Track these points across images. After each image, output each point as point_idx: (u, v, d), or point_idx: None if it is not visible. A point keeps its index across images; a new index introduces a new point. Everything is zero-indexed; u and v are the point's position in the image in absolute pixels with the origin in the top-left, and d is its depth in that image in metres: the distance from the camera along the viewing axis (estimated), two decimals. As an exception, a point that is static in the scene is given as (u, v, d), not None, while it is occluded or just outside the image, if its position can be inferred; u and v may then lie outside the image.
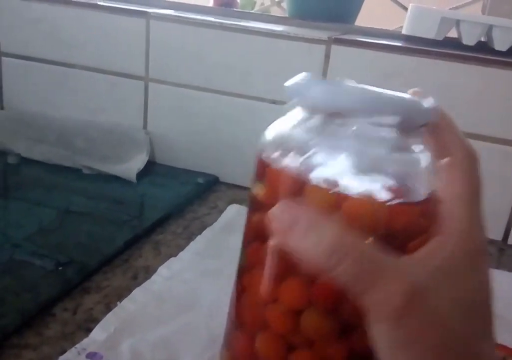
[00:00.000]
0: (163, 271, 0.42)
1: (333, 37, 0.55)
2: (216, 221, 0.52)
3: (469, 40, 0.55)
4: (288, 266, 0.25)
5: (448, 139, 0.25)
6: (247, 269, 0.28)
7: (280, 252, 0.25)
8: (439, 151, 0.25)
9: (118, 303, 0.38)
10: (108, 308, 0.37)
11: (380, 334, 0.21)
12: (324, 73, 0.56)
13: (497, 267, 0.49)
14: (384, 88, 0.24)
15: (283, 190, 0.24)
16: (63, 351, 0.32)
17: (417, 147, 0.25)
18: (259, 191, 0.26)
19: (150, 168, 0.62)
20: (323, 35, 0.56)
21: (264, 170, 0.25)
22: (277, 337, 0.26)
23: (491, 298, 0.23)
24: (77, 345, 0.33)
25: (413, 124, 0.24)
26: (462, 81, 0.52)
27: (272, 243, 0.25)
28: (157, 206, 0.54)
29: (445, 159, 0.25)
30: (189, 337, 0.35)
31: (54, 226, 0.48)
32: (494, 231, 0.55)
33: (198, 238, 0.49)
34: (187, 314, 0.37)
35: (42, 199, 0.53)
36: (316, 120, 0.24)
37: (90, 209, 0.52)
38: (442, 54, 0.53)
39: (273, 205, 0.23)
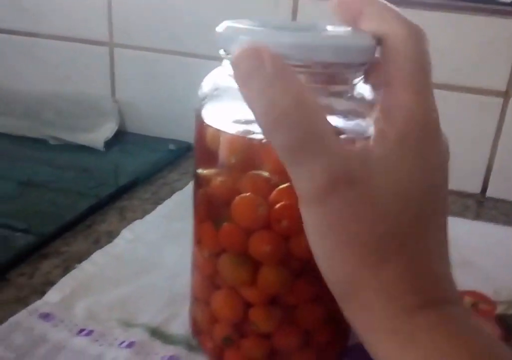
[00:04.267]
0: (126, 233, 0.41)
1: (300, -10, 0.53)
2: (186, 185, 0.51)
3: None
4: (204, 211, 0.25)
5: (384, 24, 0.21)
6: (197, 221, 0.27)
7: (198, 198, 0.25)
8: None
9: (76, 265, 0.36)
10: (67, 272, 0.36)
11: (304, 216, 0.19)
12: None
13: (476, 219, 0.48)
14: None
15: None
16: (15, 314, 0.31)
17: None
18: None
19: (121, 137, 0.61)
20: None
21: (202, 125, 0.24)
22: (204, 278, 0.26)
23: (442, 190, 0.20)
24: (28, 307, 0.31)
25: (353, 62, 0.22)
26: (433, 30, 0.50)
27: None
28: (125, 173, 0.52)
29: (386, 40, 0.21)
30: (148, 297, 0.33)
31: (15, 195, 0.46)
32: (473, 183, 0.53)
33: (166, 201, 0.47)
34: (148, 275, 0.36)
35: (4, 170, 0.51)
36: None
37: (54, 179, 0.50)
38: (417, 3, 0.50)
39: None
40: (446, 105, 0.51)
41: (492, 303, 0.35)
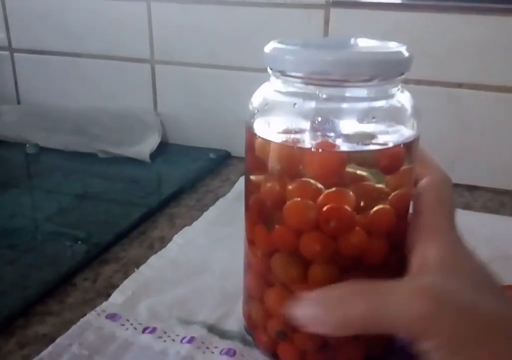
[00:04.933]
0: (178, 239, 0.44)
1: (331, 0, 0.55)
2: (229, 192, 0.53)
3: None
4: (257, 214, 0.27)
5: (423, 161, 0.28)
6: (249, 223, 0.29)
7: (250, 203, 0.28)
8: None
9: (135, 269, 0.39)
10: (127, 276, 0.39)
11: (426, 352, 0.22)
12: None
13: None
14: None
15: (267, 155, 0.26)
16: (84, 315, 0.34)
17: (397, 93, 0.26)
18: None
19: (164, 148, 0.64)
20: None
21: (253, 136, 0.27)
22: (257, 277, 0.28)
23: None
24: (96, 308, 0.34)
25: (391, 74, 0.25)
26: (463, 32, 0.52)
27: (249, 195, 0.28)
28: (171, 182, 0.56)
29: (423, 180, 0.27)
30: (203, 297, 0.36)
31: (73, 207, 0.50)
32: (508, 180, 0.54)
33: (212, 208, 0.50)
34: (201, 277, 0.38)
35: (61, 184, 0.55)
36: (295, 86, 0.25)
37: (107, 190, 0.53)
38: (441, 7, 0.52)
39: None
40: (481, 105, 0.53)
41: (532, 296, 0.36)
